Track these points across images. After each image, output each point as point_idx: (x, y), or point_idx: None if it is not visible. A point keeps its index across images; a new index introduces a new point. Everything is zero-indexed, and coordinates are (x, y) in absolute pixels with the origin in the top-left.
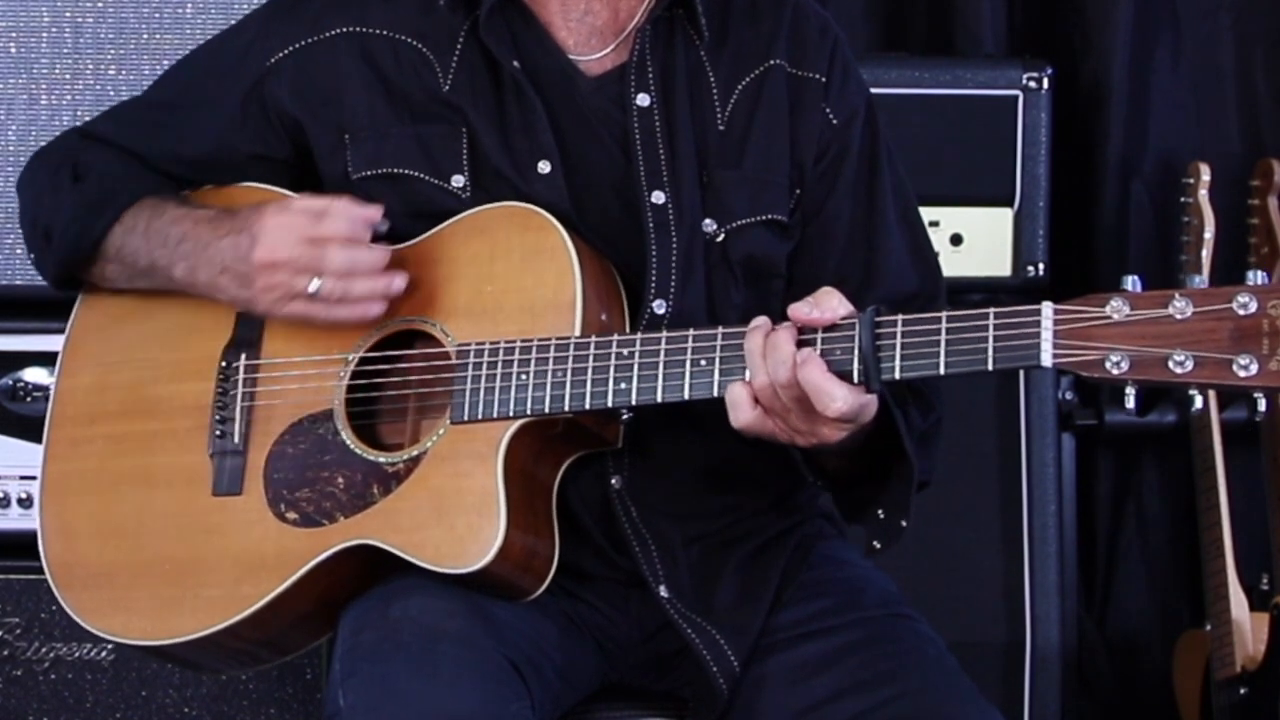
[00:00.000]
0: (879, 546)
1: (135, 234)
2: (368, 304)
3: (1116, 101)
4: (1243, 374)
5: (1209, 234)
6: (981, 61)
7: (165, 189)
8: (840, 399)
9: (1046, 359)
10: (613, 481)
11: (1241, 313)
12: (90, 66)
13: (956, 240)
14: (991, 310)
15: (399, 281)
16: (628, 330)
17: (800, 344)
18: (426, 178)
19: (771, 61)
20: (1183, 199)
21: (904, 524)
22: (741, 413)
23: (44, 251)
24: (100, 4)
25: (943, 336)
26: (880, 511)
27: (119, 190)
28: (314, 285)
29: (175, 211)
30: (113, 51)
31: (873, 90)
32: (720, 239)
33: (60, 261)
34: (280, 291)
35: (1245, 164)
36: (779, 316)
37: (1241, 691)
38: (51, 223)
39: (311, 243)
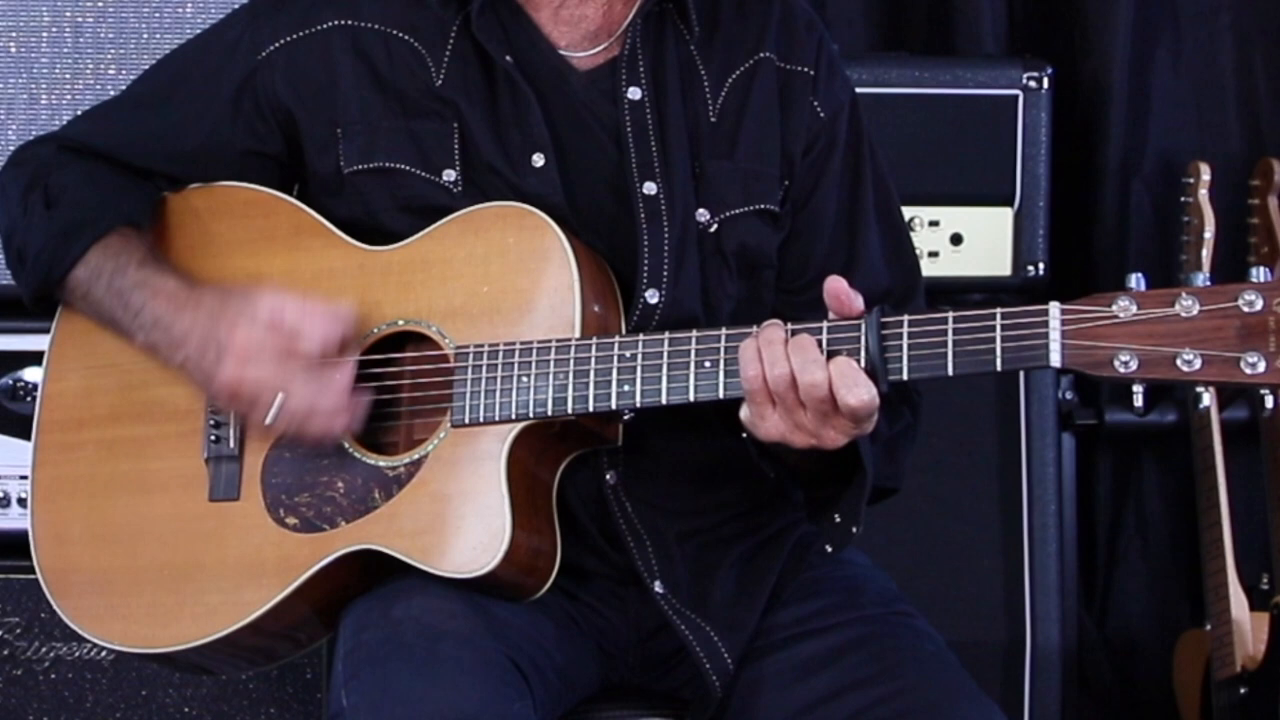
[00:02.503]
0: (830, 550)
1: (99, 284)
2: (325, 434)
3: (1116, 101)
4: (1250, 371)
5: (1209, 234)
6: (981, 61)
7: (140, 211)
8: (865, 388)
9: (1055, 359)
10: (607, 477)
11: (1247, 310)
12: (90, 66)
13: (956, 240)
14: (998, 310)
15: (354, 424)
16: (622, 324)
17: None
18: (417, 172)
19: (761, 55)
20: (1183, 199)
21: (855, 530)
22: (751, 366)
23: (18, 271)
24: (100, 4)
25: (950, 337)
26: (837, 515)
27: (87, 223)
28: (270, 417)
29: (136, 275)
30: (113, 51)
31: (873, 90)
32: (713, 229)
33: (34, 287)
34: (238, 409)
35: (1245, 164)
36: (769, 308)
37: (1241, 691)
38: (24, 246)
39: (281, 364)
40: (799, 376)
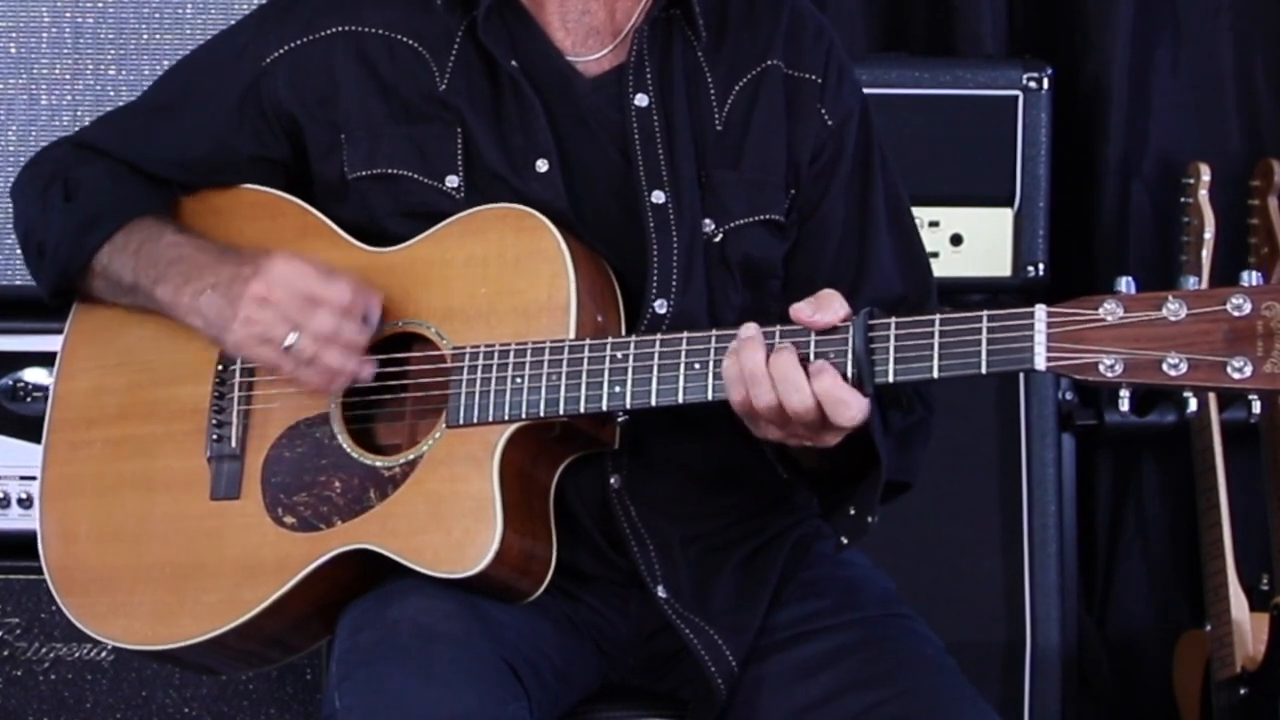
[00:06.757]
0: (845, 542)
1: (125, 253)
2: (334, 376)
3: (1116, 102)
4: (1237, 376)
5: (1209, 234)
6: (981, 61)
7: (159, 206)
8: (855, 407)
9: (1040, 362)
10: (611, 481)
11: (1235, 314)
12: (90, 66)
13: (956, 240)
14: (985, 313)
15: (368, 371)
16: (624, 331)
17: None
18: (420, 178)
19: (768, 62)
20: (1183, 199)
21: (870, 520)
22: (736, 391)
23: (37, 267)
24: (100, 4)
25: (936, 340)
26: (851, 508)
27: (110, 210)
28: (291, 338)
29: (172, 237)
30: (113, 51)
31: (873, 90)
32: (718, 239)
33: (53, 279)
34: (258, 329)
35: (1245, 164)
36: (776, 318)
37: (1241, 691)
38: (44, 240)
39: (308, 298)
40: (785, 403)
